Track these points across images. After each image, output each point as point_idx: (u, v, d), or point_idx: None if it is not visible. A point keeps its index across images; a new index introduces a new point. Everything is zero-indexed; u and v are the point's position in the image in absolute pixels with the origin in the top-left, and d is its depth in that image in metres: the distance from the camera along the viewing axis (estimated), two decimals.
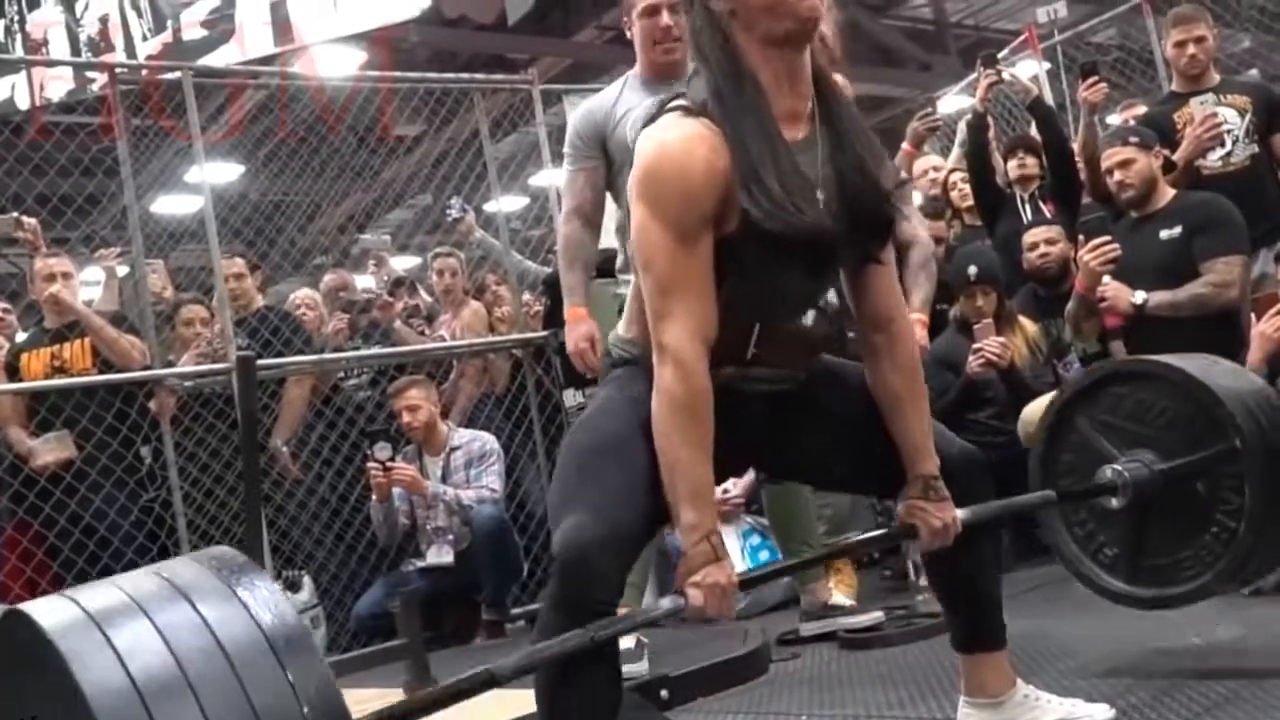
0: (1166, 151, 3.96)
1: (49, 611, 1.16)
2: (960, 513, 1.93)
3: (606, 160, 3.33)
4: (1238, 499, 2.20)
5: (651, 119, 1.83)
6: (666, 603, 1.72)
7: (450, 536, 4.67)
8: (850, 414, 1.99)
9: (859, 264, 1.95)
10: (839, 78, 1.99)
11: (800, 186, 1.77)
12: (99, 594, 1.20)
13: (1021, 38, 6.36)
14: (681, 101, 1.81)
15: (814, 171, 1.82)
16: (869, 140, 1.90)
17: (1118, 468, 2.27)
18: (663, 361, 1.75)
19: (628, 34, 3.39)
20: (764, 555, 4.26)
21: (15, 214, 4.94)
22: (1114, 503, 2.27)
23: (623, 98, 3.33)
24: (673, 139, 1.76)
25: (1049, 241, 4.27)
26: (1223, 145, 4.20)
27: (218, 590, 1.20)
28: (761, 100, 1.78)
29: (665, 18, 3.26)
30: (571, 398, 4.92)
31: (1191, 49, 4.30)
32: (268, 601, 1.19)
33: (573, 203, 3.38)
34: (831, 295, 2.00)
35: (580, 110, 3.44)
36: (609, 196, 3.43)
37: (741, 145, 1.74)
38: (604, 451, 1.81)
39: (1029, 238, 4.32)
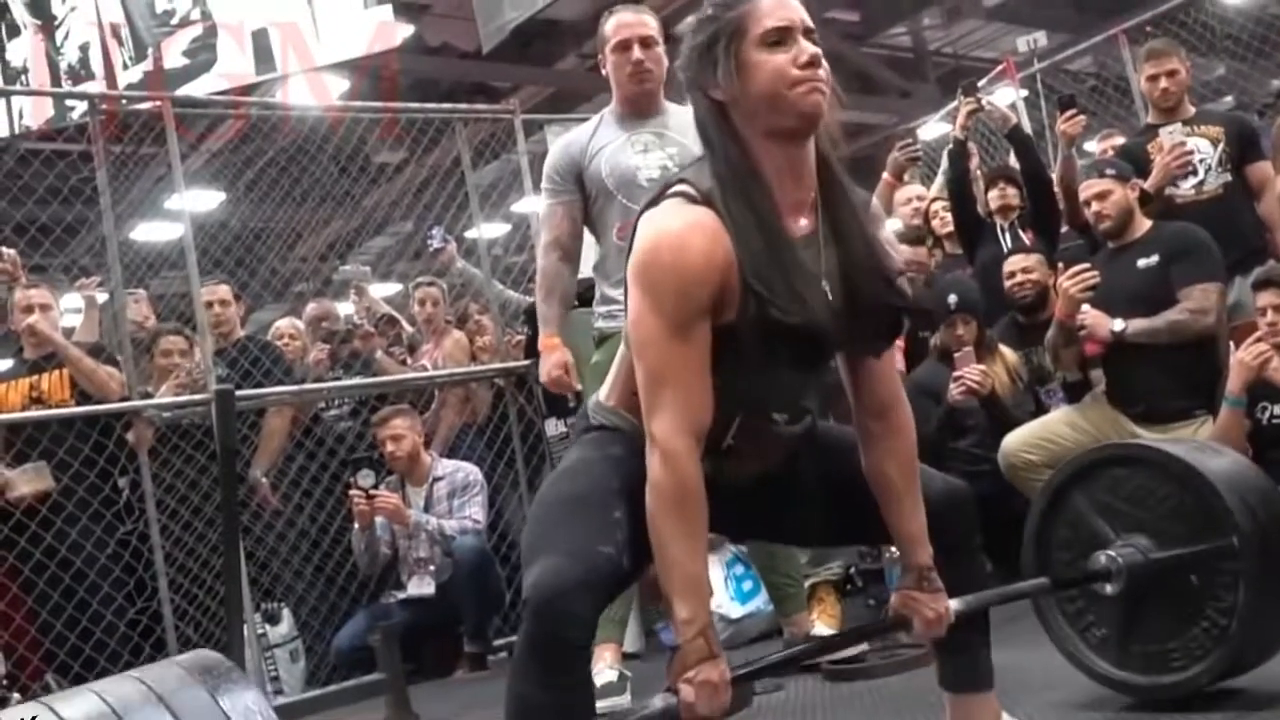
0: (1142, 184, 4.01)
1: None
2: (953, 603, 1.93)
3: (583, 194, 3.37)
4: (1231, 596, 2.19)
5: (653, 202, 1.81)
6: (659, 701, 1.70)
7: (432, 568, 4.64)
8: (829, 476, 1.98)
9: (862, 357, 1.93)
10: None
11: (806, 281, 1.76)
12: (81, 703, 1.17)
13: (1000, 67, 6.41)
14: (683, 187, 1.78)
15: (818, 266, 1.81)
16: (872, 232, 1.90)
17: (1112, 554, 2.27)
18: (652, 453, 1.72)
19: (602, 70, 3.44)
20: (748, 585, 4.25)
21: None
22: (1107, 589, 2.27)
23: (599, 133, 3.38)
24: (671, 227, 1.73)
25: (1026, 270, 4.29)
26: (1195, 174, 4.25)
27: (200, 701, 1.18)
28: (765, 192, 1.77)
29: (636, 52, 3.32)
30: (554, 427, 4.91)
31: (1164, 82, 4.36)
32: (251, 713, 1.18)
33: (550, 235, 3.42)
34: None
35: (557, 145, 3.50)
36: (586, 229, 3.47)
37: (745, 236, 1.72)
38: (581, 501, 1.79)
39: (1007, 266, 4.35)
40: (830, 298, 1.80)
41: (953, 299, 4.22)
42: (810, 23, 1.80)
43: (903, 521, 1.94)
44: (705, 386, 1.74)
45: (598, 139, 3.36)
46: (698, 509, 1.72)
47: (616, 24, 3.36)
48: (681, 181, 1.80)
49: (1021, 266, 4.29)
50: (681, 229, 1.72)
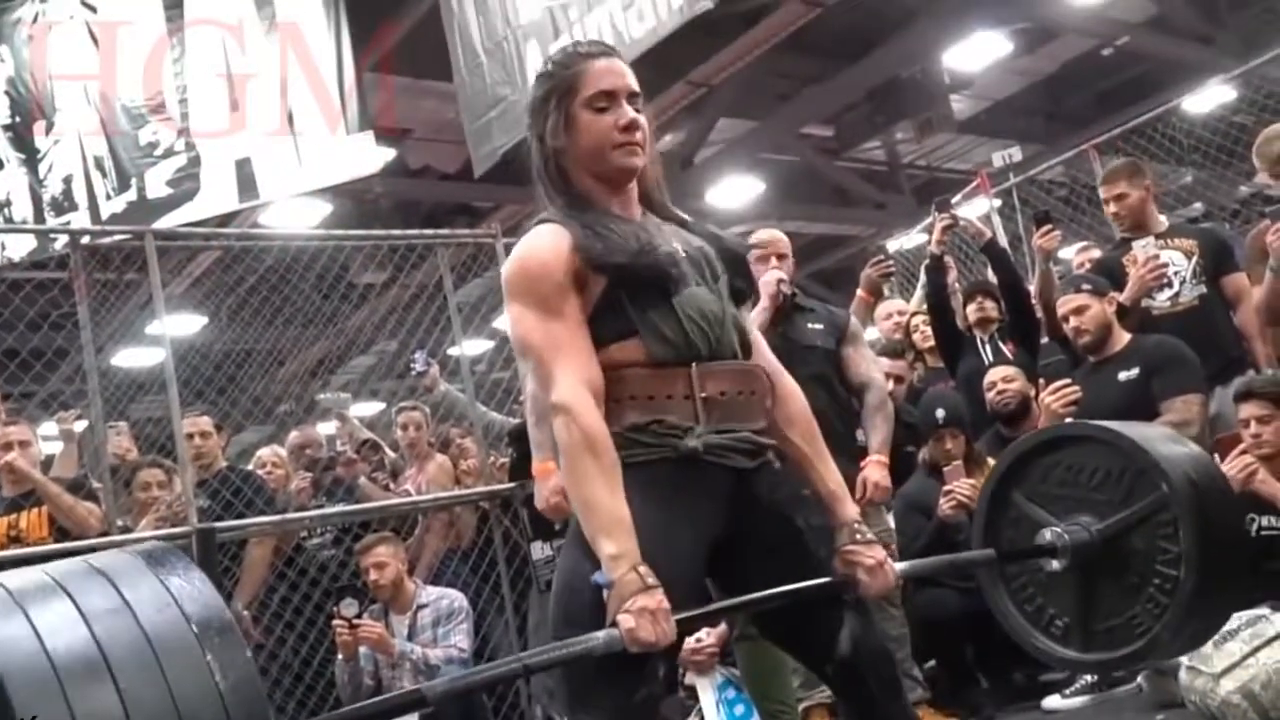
0: (1119, 297, 4.05)
1: None
2: (900, 566, 2.02)
3: None
4: (1175, 546, 2.20)
5: None
6: (600, 635, 1.70)
7: None
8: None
9: (734, 297, 2.06)
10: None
11: (636, 231, 1.97)
12: (23, 575, 1.21)
13: (975, 183, 6.52)
14: (533, 221, 2.00)
15: (650, 232, 2.01)
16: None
17: (1057, 529, 2.30)
18: (555, 415, 1.83)
19: None
20: (740, 710, 4.16)
21: None
22: (1055, 564, 2.29)
23: None
24: (523, 241, 1.97)
25: (1007, 379, 4.32)
26: (1170, 286, 4.29)
27: (143, 576, 1.20)
28: (593, 204, 1.99)
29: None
30: (539, 550, 4.85)
31: (1113, 207, 4.44)
32: (193, 589, 1.20)
33: None
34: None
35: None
36: None
37: (581, 223, 1.93)
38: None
39: (989, 377, 4.38)
40: (670, 243, 2.00)
41: (940, 413, 4.23)
42: (635, 88, 1.99)
43: (820, 482, 2.05)
44: (588, 352, 1.88)
45: None
46: (607, 450, 1.81)
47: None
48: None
49: (1002, 376, 4.31)
50: (527, 238, 1.97)
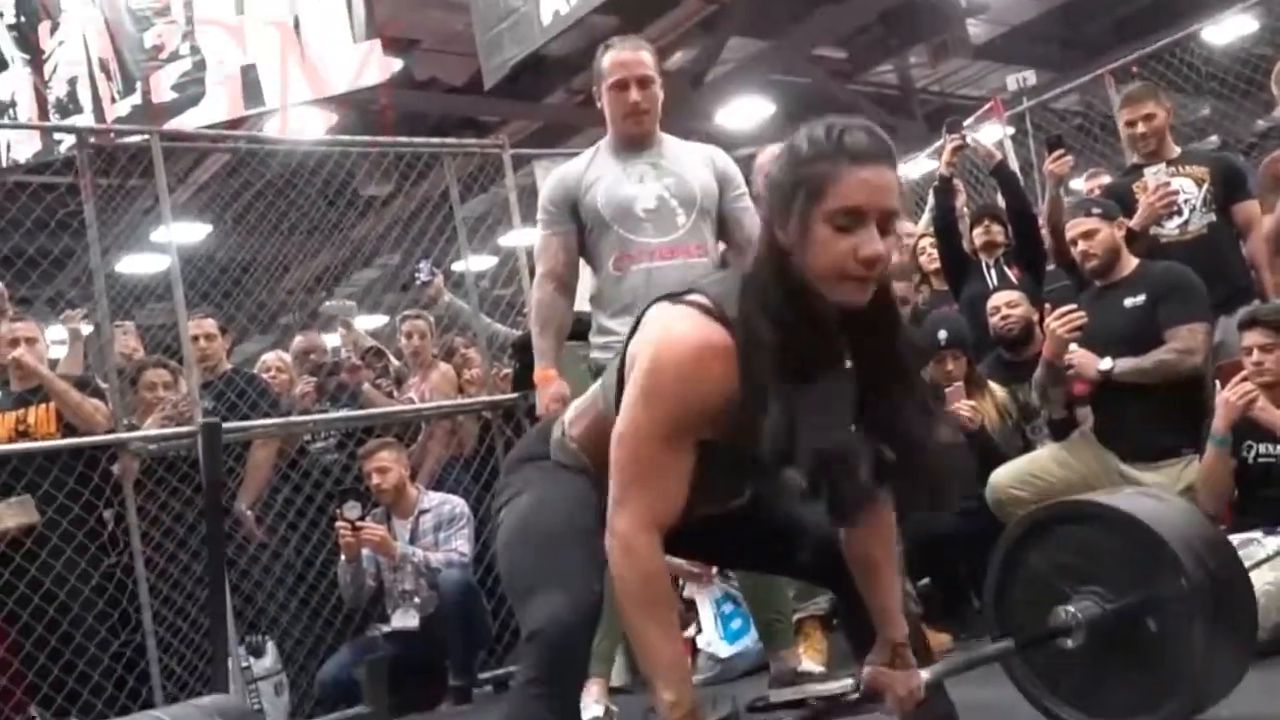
0: (1128, 223, 4.03)
1: None
2: (924, 674, 1.97)
3: (579, 225, 3.36)
4: (1188, 636, 2.23)
5: (672, 295, 1.79)
6: None
7: (417, 600, 4.62)
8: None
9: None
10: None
11: (818, 418, 1.68)
12: None
13: (987, 106, 6.45)
14: (701, 299, 1.74)
15: (843, 401, 1.76)
16: (911, 384, 1.83)
17: (1071, 609, 2.31)
18: (613, 545, 1.74)
19: (597, 103, 3.44)
20: (736, 624, 4.24)
21: None
22: (1069, 643, 2.32)
23: (594, 164, 3.38)
24: (691, 341, 1.70)
25: (1010, 304, 4.32)
26: (1180, 214, 4.27)
27: None
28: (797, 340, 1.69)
29: (634, 94, 3.31)
30: None
31: (1140, 127, 4.40)
32: None
33: (546, 267, 3.40)
34: None
35: (553, 177, 3.48)
36: (582, 261, 3.47)
37: (758, 368, 1.67)
38: (563, 538, 1.83)
39: (992, 301, 4.37)
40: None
41: (942, 334, 4.24)
42: (893, 206, 1.68)
43: (879, 594, 1.97)
44: (678, 491, 1.74)
45: (593, 170, 3.36)
46: (665, 597, 1.77)
47: (613, 62, 3.34)
48: (703, 293, 1.75)
49: (1006, 301, 4.31)
50: (701, 348, 1.69)
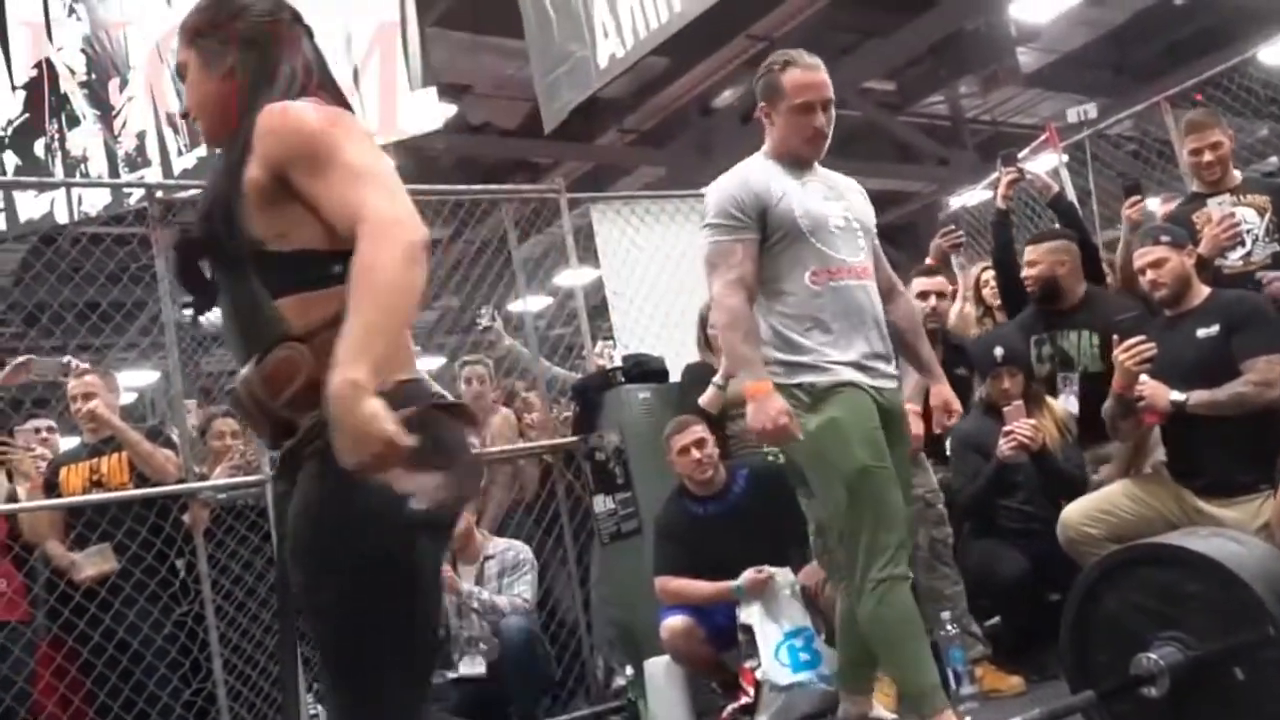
0: (1199, 250, 3.97)
1: None
2: None
3: (763, 233, 3.18)
4: (1278, 683, 2.18)
5: None
6: None
7: (484, 647, 4.63)
8: None
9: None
10: None
11: None
12: None
13: (1043, 137, 6.41)
14: None
15: None
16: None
17: (1153, 655, 2.27)
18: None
19: (764, 120, 3.29)
20: (805, 657, 4.06)
21: (66, 358, 5.00)
22: (1153, 692, 2.28)
23: (774, 178, 3.22)
24: None
25: (1054, 251, 4.34)
26: (1243, 245, 4.20)
27: None
28: None
29: (819, 118, 3.21)
30: (602, 503, 4.91)
31: (1207, 155, 4.33)
32: None
33: (735, 274, 3.14)
34: None
35: (734, 183, 3.24)
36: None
37: None
38: None
39: (1027, 255, 4.37)
40: None
41: (999, 351, 4.16)
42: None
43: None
44: None
45: (777, 183, 3.20)
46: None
47: (798, 83, 3.19)
48: None
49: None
50: None
